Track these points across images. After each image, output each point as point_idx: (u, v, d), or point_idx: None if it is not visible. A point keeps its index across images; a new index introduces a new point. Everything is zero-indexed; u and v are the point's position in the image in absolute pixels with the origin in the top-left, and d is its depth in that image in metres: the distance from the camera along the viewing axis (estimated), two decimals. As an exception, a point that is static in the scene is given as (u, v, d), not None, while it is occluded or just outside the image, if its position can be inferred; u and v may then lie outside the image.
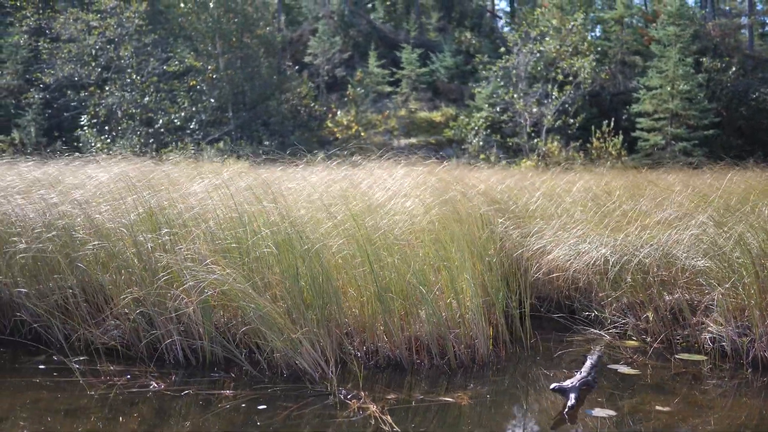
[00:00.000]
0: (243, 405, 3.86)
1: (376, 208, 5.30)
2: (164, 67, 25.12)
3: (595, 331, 5.43)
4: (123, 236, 5.14)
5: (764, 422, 3.76)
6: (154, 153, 21.70)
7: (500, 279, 5.13)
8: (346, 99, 28.25)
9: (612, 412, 3.77)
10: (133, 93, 24.21)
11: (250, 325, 4.39)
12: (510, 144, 24.84)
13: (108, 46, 24.55)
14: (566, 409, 3.74)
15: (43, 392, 4.12)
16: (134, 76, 24.58)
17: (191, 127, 24.85)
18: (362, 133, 26.19)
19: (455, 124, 26.08)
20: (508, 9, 41.72)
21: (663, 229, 5.29)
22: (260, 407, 3.82)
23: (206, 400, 3.96)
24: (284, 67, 28.31)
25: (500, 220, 5.65)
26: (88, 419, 3.72)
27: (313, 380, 4.22)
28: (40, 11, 25.07)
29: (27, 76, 25.41)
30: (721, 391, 4.25)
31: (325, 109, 27.70)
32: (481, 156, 23.96)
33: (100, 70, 24.81)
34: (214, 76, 25.15)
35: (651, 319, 5.23)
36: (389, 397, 3.99)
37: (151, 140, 23.82)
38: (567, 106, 24.69)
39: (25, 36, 25.06)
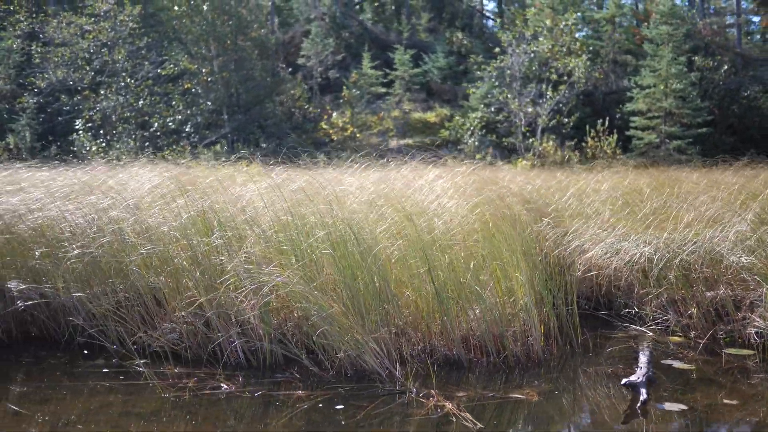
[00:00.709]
0: (320, 405, 3.91)
1: (423, 209, 5.37)
2: (159, 71, 25.06)
3: (638, 327, 5.52)
4: (173, 240, 5.19)
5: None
6: (152, 156, 21.66)
7: (548, 277, 5.22)
8: (340, 101, 28.29)
9: (683, 406, 3.86)
10: (128, 96, 24.14)
11: (313, 326, 4.44)
12: (506, 144, 24.97)
13: (103, 50, 24.46)
14: (639, 404, 3.82)
15: (116, 395, 4.16)
16: (128, 80, 24.50)
17: (186, 130, 24.79)
18: (358, 135, 26.25)
19: (450, 124, 26.18)
20: (495, 9, 41.97)
21: (706, 226, 5.39)
22: (338, 407, 3.88)
23: (282, 401, 4.01)
24: (278, 69, 28.31)
25: (546, 220, 5.72)
26: (167, 422, 3.76)
27: (380, 379, 4.28)
28: (34, 15, 24.93)
29: (20, 80, 25.25)
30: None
31: (319, 110, 27.72)
32: (477, 156, 24.06)
33: (93, 74, 24.70)
34: (209, 79, 25.11)
35: (694, 315, 5.33)
36: (459, 394, 4.06)
37: (146, 144, 23.73)
38: (561, 105, 24.85)
39: (18, 40, 24.91)
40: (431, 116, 27.77)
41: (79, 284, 5.18)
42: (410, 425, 3.68)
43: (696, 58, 25.23)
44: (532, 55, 25.07)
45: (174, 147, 22.86)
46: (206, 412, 3.89)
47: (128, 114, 24.11)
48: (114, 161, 7.94)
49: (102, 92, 24.22)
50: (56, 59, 24.54)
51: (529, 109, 24.78)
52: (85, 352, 5.00)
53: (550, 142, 23.97)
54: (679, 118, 23.47)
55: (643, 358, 4.45)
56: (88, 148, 22.88)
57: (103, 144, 23.45)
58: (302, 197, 5.19)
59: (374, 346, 4.36)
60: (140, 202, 5.49)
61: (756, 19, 35.49)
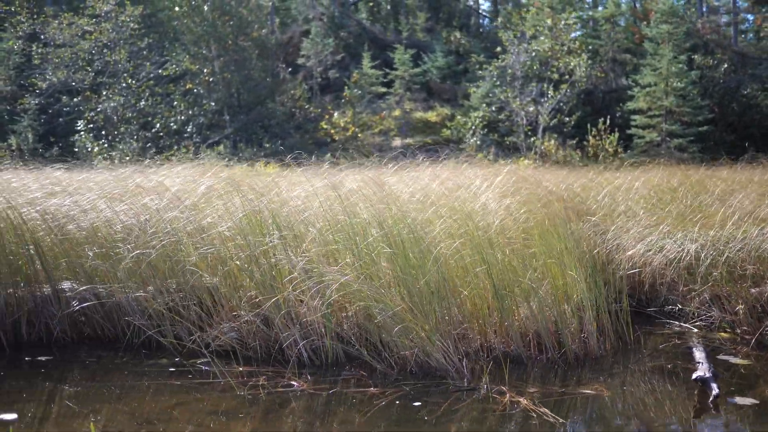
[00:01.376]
0: (397, 402, 3.97)
1: (473, 208, 5.44)
2: (160, 71, 25.05)
3: (682, 324, 5.61)
4: (228, 239, 5.24)
5: None
6: (155, 157, 21.68)
7: (598, 275, 5.29)
8: (341, 101, 28.33)
9: (753, 400, 3.94)
10: (129, 97, 24.11)
11: (377, 324, 4.50)
12: (507, 143, 25.06)
13: (104, 51, 24.43)
14: (712, 399, 3.89)
15: (191, 393, 4.20)
16: (129, 80, 24.48)
17: (188, 130, 24.79)
18: (359, 135, 26.30)
19: (452, 124, 26.26)
20: (490, 9, 42.09)
21: (753, 224, 5.48)
22: (415, 404, 3.94)
23: (358, 398, 4.06)
24: (278, 69, 28.32)
25: (594, 218, 5.80)
26: (251, 419, 3.81)
27: (446, 376, 4.34)
28: (35, 16, 24.87)
29: (21, 81, 25.19)
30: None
31: (320, 110, 27.76)
32: (479, 155, 24.15)
33: (94, 74, 24.67)
34: (211, 80, 25.11)
35: (741, 311, 5.41)
36: (530, 390, 4.13)
37: (148, 144, 23.73)
38: (562, 104, 24.97)
39: (19, 41, 24.84)
40: (432, 115, 27.85)
41: (135, 284, 5.22)
42: (490, 421, 3.74)
43: (696, 56, 25.40)
44: (534, 54, 25.18)
45: (178, 147, 22.86)
46: (285, 409, 3.94)
47: (130, 115, 24.09)
48: (147, 162, 8.01)
49: (104, 93, 24.18)
50: (56, 60, 24.50)
51: (531, 108, 24.90)
52: (144, 351, 5.04)
53: (552, 141, 24.09)
54: (679, 117, 23.63)
55: (699, 354, 4.52)
56: (89, 149, 22.87)
57: (105, 145, 23.42)
58: (352, 198, 5.25)
59: (440, 344, 4.42)
60: (197, 203, 5.53)
61: (750, 17, 35.80)
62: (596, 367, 4.66)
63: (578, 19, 28.67)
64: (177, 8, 25.56)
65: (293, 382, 4.30)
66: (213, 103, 24.76)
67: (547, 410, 3.77)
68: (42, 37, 24.75)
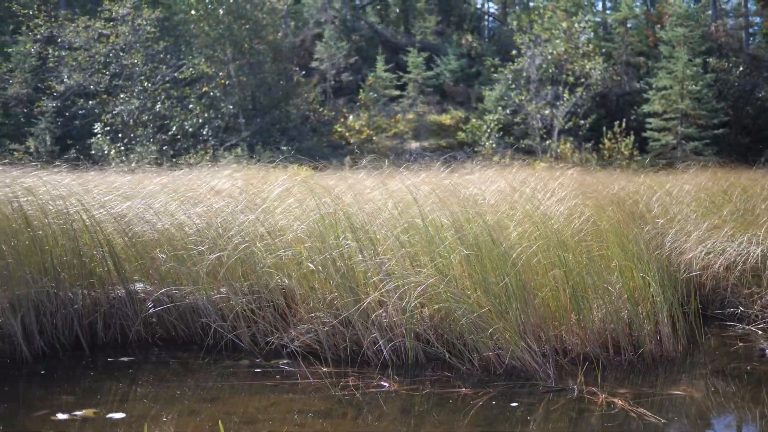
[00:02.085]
0: (493, 402, 4.03)
1: (542, 210, 5.50)
2: (176, 74, 25.13)
3: (746, 326, 5.66)
4: (301, 241, 5.31)
5: None
6: (172, 160, 21.76)
7: (667, 277, 5.35)
8: (356, 104, 28.40)
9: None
10: (144, 100, 24.19)
11: (462, 325, 4.56)
12: (523, 146, 25.12)
13: (121, 54, 24.51)
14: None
15: (284, 394, 4.25)
16: (145, 84, 24.56)
17: (203, 133, 24.86)
18: (374, 138, 26.37)
19: (467, 126, 26.33)
20: (496, 11, 42.19)
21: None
22: (513, 404, 4.00)
23: (453, 399, 4.12)
24: (292, 72, 28.39)
25: (660, 221, 5.86)
26: (348, 419, 3.87)
27: (531, 377, 4.39)
28: (52, 20, 24.95)
29: (38, 84, 25.27)
30: None
31: (334, 113, 27.82)
32: (494, 158, 24.22)
33: (109, 77, 24.75)
34: (227, 83, 25.19)
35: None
36: (620, 391, 4.18)
37: (164, 147, 23.80)
38: (576, 107, 25.05)
39: (37, 45, 24.93)
40: (446, 118, 27.92)
41: (209, 286, 5.29)
42: (592, 421, 3.80)
43: (710, 59, 25.48)
44: (549, 57, 25.25)
45: (196, 150, 22.93)
46: (383, 409, 3.99)
47: (146, 117, 24.16)
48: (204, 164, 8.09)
49: (122, 95, 24.26)
50: (72, 63, 24.59)
51: (546, 112, 24.98)
52: (224, 352, 5.10)
53: (568, 144, 24.18)
54: (695, 120, 23.71)
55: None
56: (106, 152, 22.94)
57: (122, 148, 23.49)
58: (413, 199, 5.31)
59: (524, 345, 4.48)
60: (270, 206, 5.60)
61: (758, 20, 35.89)
62: (674, 368, 4.72)
63: (591, 23, 28.74)
64: (193, 12, 25.63)
65: (383, 383, 4.36)
66: (231, 107, 24.81)
67: (645, 410, 3.82)
68: (59, 40, 24.82)
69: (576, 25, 25.85)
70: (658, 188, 7.48)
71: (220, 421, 3.59)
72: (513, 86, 25.90)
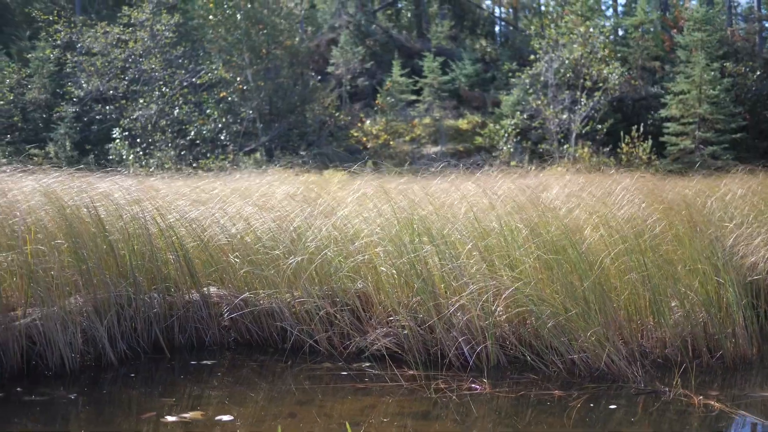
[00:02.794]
0: (590, 404, 4.07)
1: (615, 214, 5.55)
2: (194, 80, 25.22)
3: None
4: (374, 244, 5.36)
5: None
6: (193, 165, 21.87)
7: (738, 282, 5.39)
8: (372, 108, 28.48)
9: None
10: (162, 105, 24.28)
11: (548, 329, 4.60)
12: (540, 150, 25.17)
13: (140, 59, 24.61)
14: None
15: (377, 396, 4.29)
16: (164, 89, 24.65)
17: (221, 138, 24.94)
18: (391, 142, 26.44)
19: (485, 131, 26.38)
20: (506, 15, 42.31)
21: None
22: (611, 407, 4.04)
23: (548, 401, 4.16)
24: (308, 77, 28.48)
25: (730, 225, 5.90)
26: (448, 421, 3.91)
27: (618, 379, 4.43)
28: (72, 25, 25.08)
29: (57, 90, 25.40)
30: None
31: (350, 118, 27.90)
32: (512, 163, 24.27)
33: (127, 83, 24.87)
34: (245, 88, 25.28)
35: None
36: (712, 393, 4.23)
37: (182, 152, 23.89)
38: (593, 112, 25.09)
39: (56, 50, 25.07)
40: (463, 123, 27.97)
41: (284, 290, 5.34)
42: (698, 423, 3.84)
43: (727, 64, 25.52)
44: (566, 62, 25.31)
45: (216, 155, 23.02)
46: (481, 411, 4.04)
47: (164, 122, 24.25)
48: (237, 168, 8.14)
49: (140, 101, 24.35)
50: (90, 69, 24.71)
51: (563, 116, 25.03)
52: (302, 356, 5.14)
53: (586, 149, 24.23)
54: (713, 124, 23.75)
55: None
56: (124, 157, 23.04)
57: (140, 153, 23.59)
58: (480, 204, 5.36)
59: (616, 347, 4.52)
60: (337, 209, 5.65)
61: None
62: (755, 370, 4.76)
63: (607, 28, 28.78)
64: (211, 17, 25.73)
65: (474, 385, 4.40)
66: (250, 111, 24.89)
67: (745, 412, 3.86)
68: (78, 46, 24.94)
69: (592, 29, 25.91)
70: (710, 193, 7.52)
71: (347, 423, 3.64)
72: (530, 91, 25.95)
